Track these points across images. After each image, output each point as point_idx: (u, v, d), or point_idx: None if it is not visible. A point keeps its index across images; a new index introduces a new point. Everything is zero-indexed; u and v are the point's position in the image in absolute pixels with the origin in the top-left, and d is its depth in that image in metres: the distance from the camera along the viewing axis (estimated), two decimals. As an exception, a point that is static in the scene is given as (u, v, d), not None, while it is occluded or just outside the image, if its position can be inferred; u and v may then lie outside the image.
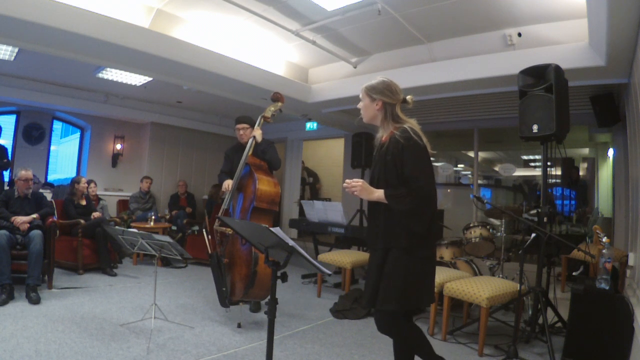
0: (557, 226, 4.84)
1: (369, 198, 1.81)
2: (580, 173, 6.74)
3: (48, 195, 5.34)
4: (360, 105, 1.96)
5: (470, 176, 7.61)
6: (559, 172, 5.29)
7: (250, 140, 3.24)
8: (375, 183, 1.86)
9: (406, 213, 1.73)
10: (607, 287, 2.54)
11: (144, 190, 6.40)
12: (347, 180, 1.84)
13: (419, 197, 1.71)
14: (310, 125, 7.04)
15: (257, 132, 3.25)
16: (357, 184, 1.79)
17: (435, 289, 2.58)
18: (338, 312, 3.59)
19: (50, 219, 3.82)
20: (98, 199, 5.67)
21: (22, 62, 4.77)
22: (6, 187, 4.99)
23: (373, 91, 1.89)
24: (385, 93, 1.87)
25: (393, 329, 1.81)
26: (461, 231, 4.09)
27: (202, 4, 3.66)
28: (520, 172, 7.83)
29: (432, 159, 1.83)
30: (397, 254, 1.75)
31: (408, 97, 1.91)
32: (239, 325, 3.10)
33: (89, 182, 5.44)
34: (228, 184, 3.20)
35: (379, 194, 1.77)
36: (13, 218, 3.62)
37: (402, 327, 1.81)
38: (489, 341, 2.88)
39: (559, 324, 3.06)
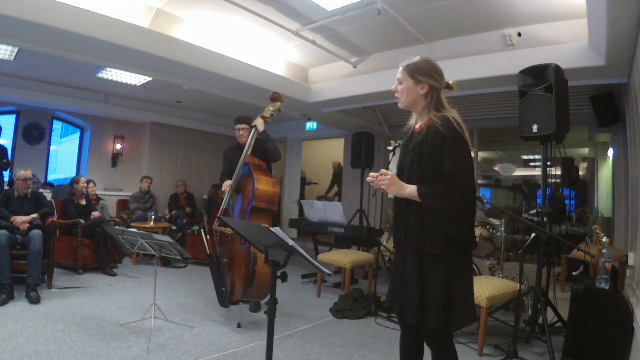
0: (557, 226, 4.84)
1: (398, 194, 1.57)
2: (580, 173, 6.74)
3: (48, 195, 5.34)
4: (397, 87, 1.68)
5: (470, 176, 7.59)
6: (559, 172, 5.29)
7: (253, 131, 3.24)
8: (405, 177, 1.61)
9: (443, 215, 1.51)
10: (607, 287, 2.54)
11: (144, 190, 6.40)
12: (371, 174, 1.61)
13: (459, 198, 1.49)
14: (310, 125, 7.04)
15: (259, 122, 3.24)
16: (386, 177, 1.55)
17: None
18: (338, 312, 3.59)
19: (50, 219, 3.82)
20: (98, 199, 5.67)
21: (22, 62, 4.77)
22: (6, 187, 4.99)
23: (419, 72, 1.62)
24: (433, 75, 1.62)
25: (443, 345, 1.62)
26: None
27: (202, 4, 3.66)
28: (520, 172, 7.84)
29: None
30: (435, 264, 1.54)
31: (451, 82, 1.68)
32: (239, 325, 3.10)
33: (88, 182, 5.43)
34: (227, 184, 3.20)
35: (411, 190, 1.53)
36: (13, 218, 3.62)
37: (451, 346, 1.63)
38: (489, 341, 2.89)
39: (559, 324, 3.06)
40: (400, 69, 1.68)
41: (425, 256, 1.56)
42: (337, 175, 8.59)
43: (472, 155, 5.88)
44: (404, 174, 1.64)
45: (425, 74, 1.62)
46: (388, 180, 1.56)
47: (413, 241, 1.58)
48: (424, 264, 1.56)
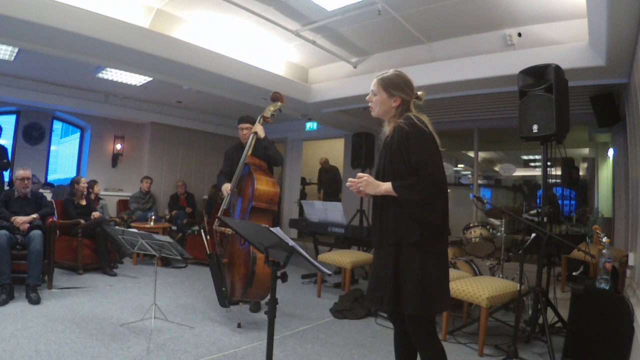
0: (557, 226, 4.84)
1: (375, 192, 1.70)
2: (580, 173, 6.74)
3: (48, 195, 5.34)
4: (371, 97, 1.81)
5: (470, 176, 7.63)
6: (559, 172, 5.28)
7: (252, 136, 3.24)
8: (380, 177, 1.75)
9: (418, 204, 1.60)
10: (607, 287, 2.54)
11: (144, 190, 6.40)
12: (350, 179, 1.74)
13: (430, 186, 1.59)
14: (310, 125, 7.04)
15: (259, 128, 3.24)
16: (362, 178, 1.70)
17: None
18: (338, 312, 3.59)
19: (50, 219, 3.81)
20: (98, 199, 5.68)
21: (22, 62, 4.77)
22: (6, 187, 4.99)
23: (392, 86, 1.75)
24: (404, 89, 1.75)
25: (425, 337, 1.66)
26: (461, 231, 4.09)
27: (202, 4, 3.66)
28: (520, 172, 7.84)
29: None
30: (411, 250, 1.63)
31: (420, 93, 1.80)
32: (239, 325, 3.10)
33: (92, 183, 5.47)
34: (226, 187, 3.20)
35: (386, 186, 1.66)
36: (13, 218, 3.62)
37: (434, 338, 1.68)
38: (489, 341, 2.89)
39: (559, 324, 3.06)
40: (375, 81, 1.80)
41: (403, 246, 1.65)
42: (324, 172, 8.28)
43: (472, 155, 5.90)
44: (379, 174, 1.78)
45: (398, 88, 1.75)
46: (365, 181, 1.70)
47: (391, 233, 1.68)
48: (401, 253, 1.65)
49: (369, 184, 1.70)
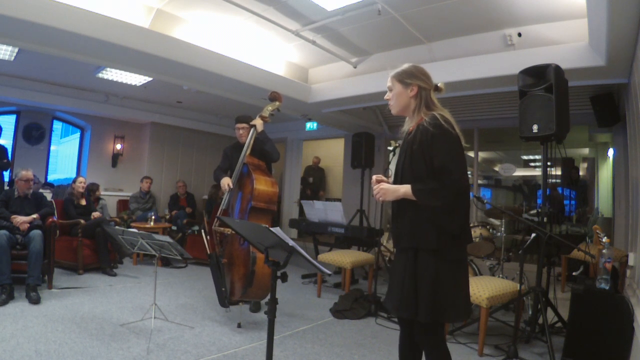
0: (558, 226, 4.84)
1: (395, 197, 1.62)
2: (580, 173, 6.74)
3: (48, 195, 5.34)
4: (389, 95, 1.76)
5: (470, 176, 7.61)
6: (559, 172, 5.29)
7: (252, 130, 3.24)
8: (399, 177, 1.68)
9: (437, 210, 1.54)
10: (607, 287, 2.54)
11: (144, 190, 6.40)
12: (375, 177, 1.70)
13: (452, 192, 1.52)
14: (310, 125, 7.04)
15: (258, 122, 3.25)
16: (379, 188, 1.64)
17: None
18: (338, 312, 3.59)
19: (50, 219, 3.81)
20: (98, 199, 5.68)
21: (22, 62, 4.77)
22: (6, 187, 4.99)
23: (406, 76, 1.70)
24: (419, 77, 1.69)
25: (432, 343, 1.63)
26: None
27: (202, 4, 3.66)
28: (520, 172, 7.84)
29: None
30: (427, 257, 1.57)
31: (440, 84, 1.74)
32: (239, 325, 3.10)
33: (94, 186, 5.48)
34: (227, 182, 3.19)
35: (405, 189, 1.58)
36: (13, 218, 3.62)
37: (441, 345, 1.64)
38: (489, 341, 2.89)
39: (559, 324, 3.06)
40: (389, 77, 1.76)
41: (420, 251, 1.59)
42: (312, 170, 8.57)
43: (472, 155, 5.90)
44: (397, 174, 1.71)
45: (413, 76, 1.70)
46: (382, 190, 1.64)
47: (408, 237, 1.62)
48: (418, 258, 1.59)
49: (387, 192, 1.63)
